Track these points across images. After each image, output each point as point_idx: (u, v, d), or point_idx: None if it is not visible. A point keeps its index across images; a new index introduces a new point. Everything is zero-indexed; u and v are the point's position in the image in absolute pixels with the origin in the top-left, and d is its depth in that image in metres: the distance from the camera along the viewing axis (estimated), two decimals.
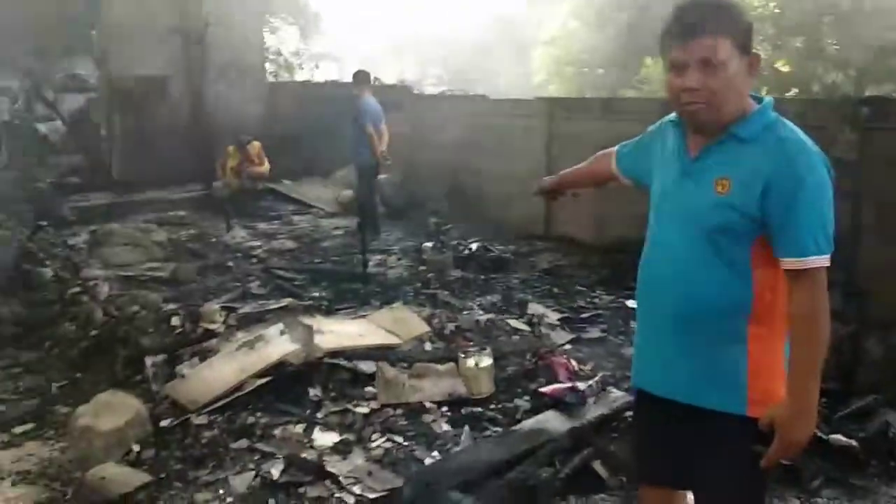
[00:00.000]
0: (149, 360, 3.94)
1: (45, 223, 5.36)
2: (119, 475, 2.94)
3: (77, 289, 4.85)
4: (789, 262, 1.58)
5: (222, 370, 3.74)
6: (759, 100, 1.68)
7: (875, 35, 11.78)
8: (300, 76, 15.79)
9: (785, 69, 12.49)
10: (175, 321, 4.51)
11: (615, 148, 2.09)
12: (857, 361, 3.88)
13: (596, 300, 5.34)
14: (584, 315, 4.98)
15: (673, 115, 1.80)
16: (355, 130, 7.37)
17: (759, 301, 1.64)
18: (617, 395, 3.56)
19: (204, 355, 3.99)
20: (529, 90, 17.69)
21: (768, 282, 1.63)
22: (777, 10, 12.75)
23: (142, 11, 9.83)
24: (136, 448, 3.22)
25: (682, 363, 1.73)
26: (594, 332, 4.68)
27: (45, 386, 4.00)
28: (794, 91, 11.99)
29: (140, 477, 2.96)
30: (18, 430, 3.56)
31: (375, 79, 8.29)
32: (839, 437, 3.22)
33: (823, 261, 1.57)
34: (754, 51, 1.64)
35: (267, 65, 13.42)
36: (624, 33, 16.50)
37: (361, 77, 7.57)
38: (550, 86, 18.89)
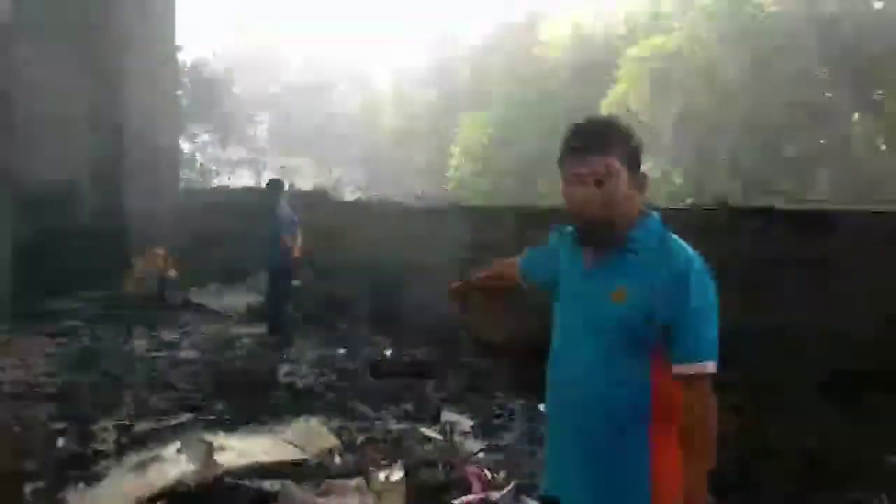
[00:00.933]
0: (28, 487, 3.58)
1: None
2: None
3: None
4: (678, 368, 1.64)
5: (111, 496, 3.44)
6: (648, 213, 1.79)
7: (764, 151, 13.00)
8: (216, 182, 15.74)
9: (678, 181, 13.49)
10: (60, 442, 4.16)
11: (517, 258, 2.17)
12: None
13: (510, 405, 5.31)
14: (497, 421, 4.94)
15: (569, 228, 1.89)
16: (273, 237, 7.34)
17: (659, 405, 1.68)
18: None
19: (92, 480, 3.67)
20: (442, 198, 18.26)
21: (667, 388, 1.67)
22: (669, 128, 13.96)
23: (52, 105, 9.57)
24: None
25: (587, 471, 1.73)
26: (508, 439, 4.62)
27: None
28: (689, 200, 12.93)
29: None
30: None
31: (291, 185, 8.36)
32: None
33: (709, 366, 1.64)
34: (642, 171, 1.76)
35: (182, 170, 13.33)
36: (536, 148, 17.52)
37: (275, 185, 7.63)
38: (462, 195, 19.55)
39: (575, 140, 1.72)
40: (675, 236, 1.75)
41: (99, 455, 4.02)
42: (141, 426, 4.45)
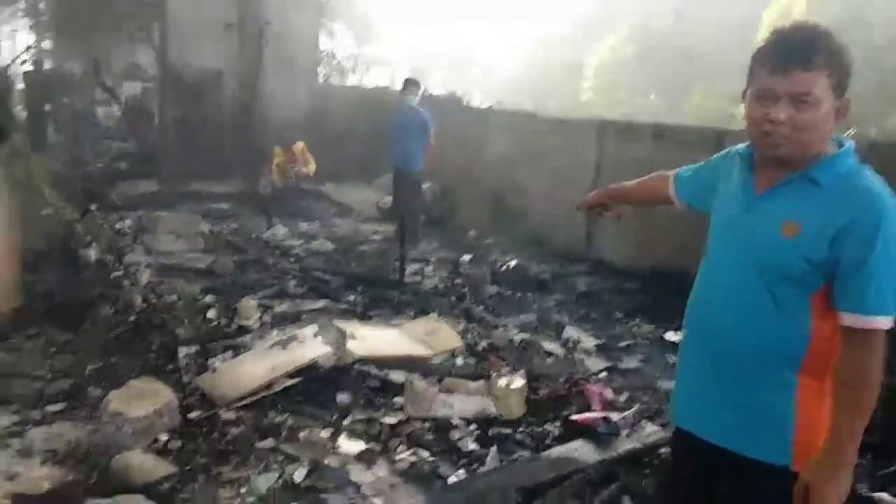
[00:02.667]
0: (182, 351, 3.97)
1: (93, 206, 5.45)
2: (144, 463, 2.94)
3: (119, 273, 4.91)
4: (849, 318, 1.49)
5: (254, 367, 3.74)
6: (840, 143, 1.59)
7: None
8: (352, 80, 15.94)
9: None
10: (211, 314, 4.54)
11: (674, 171, 2.01)
12: None
13: (634, 329, 5.21)
14: (621, 344, 4.87)
15: (741, 147, 1.72)
16: (407, 137, 7.35)
17: (814, 353, 1.55)
18: (651, 430, 3.45)
19: (237, 350, 4.00)
20: (577, 110, 17.62)
21: (825, 334, 1.54)
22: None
23: (203, 5, 10.04)
24: (163, 437, 3.23)
25: (725, 407, 1.65)
26: (631, 363, 4.56)
27: (80, 367, 4.03)
28: (852, 130, 11.70)
29: (164, 468, 2.96)
30: (51, 408, 3.59)
31: (425, 89, 8.30)
32: (884, 495, 3.06)
33: (886, 322, 1.48)
34: (846, 96, 1.54)
35: (320, 67, 13.57)
36: (674, 61, 16.35)
37: (412, 83, 7.57)
38: (598, 108, 18.79)
39: (780, 48, 1.51)
40: (869, 173, 1.54)
41: (243, 329, 4.35)
42: (281, 307, 4.76)
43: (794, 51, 1.49)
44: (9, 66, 8.76)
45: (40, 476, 2.93)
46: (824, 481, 1.50)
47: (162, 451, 3.14)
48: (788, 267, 1.53)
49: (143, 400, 3.31)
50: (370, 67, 18.48)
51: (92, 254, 5.38)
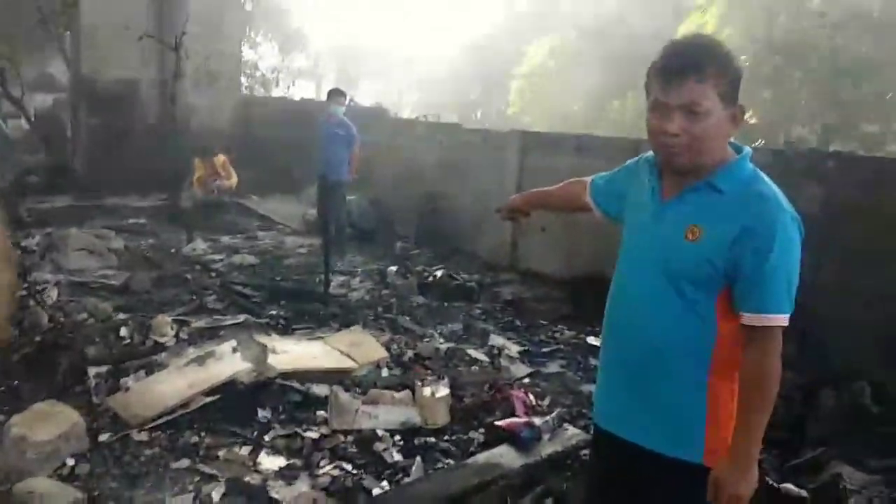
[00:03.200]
0: (92, 371, 3.79)
1: None
2: (49, 490, 2.78)
3: (24, 292, 4.65)
4: (749, 318, 1.56)
5: (169, 385, 3.61)
6: (739, 149, 1.66)
7: (844, 92, 12.18)
8: (276, 92, 15.72)
9: (752, 121, 12.83)
10: (124, 331, 4.36)
11: (589, 178, 2.06)
12: (810, 412, 3.90)
13: (557, 335, 5.31)
14: (544, 349, 4.95)
15: (650, 154, 1.78)
16: (332, 147, 7.30)
17: (722, 353, 1.61)
18: (573, 433, 3.51)
19: (151, 369, 3.85)
20: (504, 122, 17.89)
21: (732, 334, 1.61)
22: (747, 62, 13.16)
23: (118, 14, 9.70)
24: (70, 462, 3.06)
25: (641, 406, 1.70)
26: (554, 367, 4.64)
27: None
28: (760, 142, 12.33)
29: (71, 493, 2.80)
30: None
31: (351, 99, 8.26)
32: (790, 486, 3.21)
33: (783, 320, 1.56)
34: (739, 103, 1.60)
35: (243, 78, 13.33)
36: (600, 72, 16.86)
37: (337, 94, 7.53)
38: (525, 118, 19.15)
39: (668, 63, 1.57)
40: (766, 178, 1.62)
41: (158, 347, 4.19)
42: (199, 323, 4.62)
43: (683, 63, 1.54)
44: None
45: None
46: (733, 477, 1.56)
47: (69, 477, 2.98)
48: (693, 270, 1.59)
49: (47, 423, 3.13)
50: (295, 79, 18.30)
51: None
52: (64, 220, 7.86)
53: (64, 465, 3.05)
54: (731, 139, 1.66)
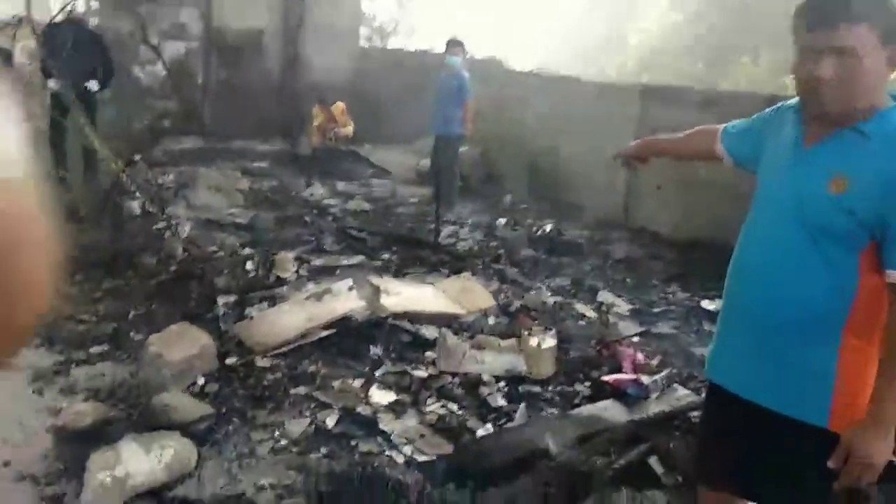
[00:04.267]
0: (221, 300, 4.06)
1: (138, 158, 5.56)
2: (182, 404, 3.04)
3: (161, 224, 5.03)
4: (894, 275, 1.45)
5: (290, 317, 3.81)
6: (895, 96, 1.53)
7: None
8: (393, 43, 15.85)
9: None
10: (249, 265, 4.63)
11: (721, 125, 1.96)
12: None
13: (670, 296, 5.15)
14: (655, 309, 4.82)
15: (792, 102, 1.67)
16: (446, 100, 7.31)
17: (861, 311, 1.51)
18: (682, 394, 3.43)
19: (274, 301, 4.08)
20: (622, 77, 17.22)
21: (873, 294, 1.50)
22: None
23: None
24: (200, 381, 3.33)
25: (766, 364, 1.63)
26: (665, 328, 4.51)
27: (123, 312, 4.16)
28: None
29: (202, 408, 3.05)
30: (95, 350, 3.72)
31: (467, 51, 8.19)
32: None
33: None
34: None
35: (361, 29, 13.50)
36: (722, 29, 15.83)
37: (456, 44, 7.48)
38: (643, 75, 18.35)
39: (815, 4, 1.45)
40: None
41: (280, 281, 4.43)
42: (317, 261, 4.83)
43: (830, 4, 1.44)
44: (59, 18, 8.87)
45: (82, 411, 3.05)
46: (866, 442, 1.47)
47: (199, 394, 3.24)
48: (835, 223, 1.49)
49: (182, 344, 3.40)
50: (412, 31, 18.35)
51: (136, 205, 5.52)
52: (194, 161, 8.37)
53: (195, 383, 3.32)
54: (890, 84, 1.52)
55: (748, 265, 1.69)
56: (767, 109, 1.82)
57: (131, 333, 3.89)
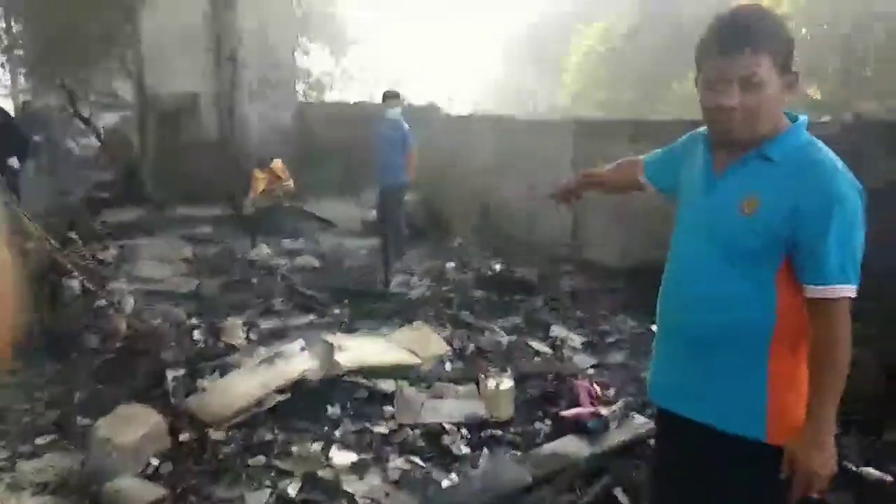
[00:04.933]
0: (170, 374, 3.96)
1: (74, 236, 5.44)
2: (135, 489, 2.94)
3: (103, 302, 4.90)
4: (812, 290, 1.52)
5: (242, 385, 3.74)
6: (794, 118, 1.63)
7: None
8: (330, 96, 16.01)
9: (816, 95, 12.33)
10: (197, 335, 4.54)
11: (642, 156, 2.05)
12: (894, 392, 3.74)
13: (620, 325, 5.25)
14: (608, 340, 4.90)
15: (702, 129, 1.76)
16: (388, 151, 7.38)
17: (785, 325, 1.58)
18: (641, 422, 3.48)
19: (225, 370, 4.00)
20: (558, 111, 17.71)
21: (794, 308, 1.57)
22: (809, 36, 12.62)
23: (177, 29, 10.04)
24: (154, 462, 3.21)
25: (700, 383, 1.68)
26: (618, 357, 4.60)
27: (68, 397, 4.01)
28: (826, 118, 11.84)
29: (155, 491, 2.94)
30: (40, 441, 3.57)
31: (404, 99, 8.33)
32: (871, 470, 3.10)
33: (849, 290, 1.52)
34: (794, 70, 1.57)
35: (297, 84, 13.62)
36: (652, 57, 16.50)
37: (392, 96, 7.60)
38: (578, 108, 18.91)
39: (719, 36, 1.54)
40: (821, 146, 1.58)
41: (230, 349, 4.35)
42: (267, 325, 4.76)
43: (736, 34, 1.52)
44: None
45: None
46: (807, 453, 1.53)
47: (153, 475, 3.13)
48: (748, 243, 1.56)
49: (131, 425, 3.29)
50: (348, 82, 18.59)
51: (75, 284, 5.37)
52: (135, 232, 8.22)
53: (148, 464, 3.20)
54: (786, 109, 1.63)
55: (673, 288, 1.76)
56: (682, 137, 1.92)
57: (78, 418, 3.74)
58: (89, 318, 4.89)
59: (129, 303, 5.12)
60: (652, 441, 3.24)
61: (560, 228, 7.19)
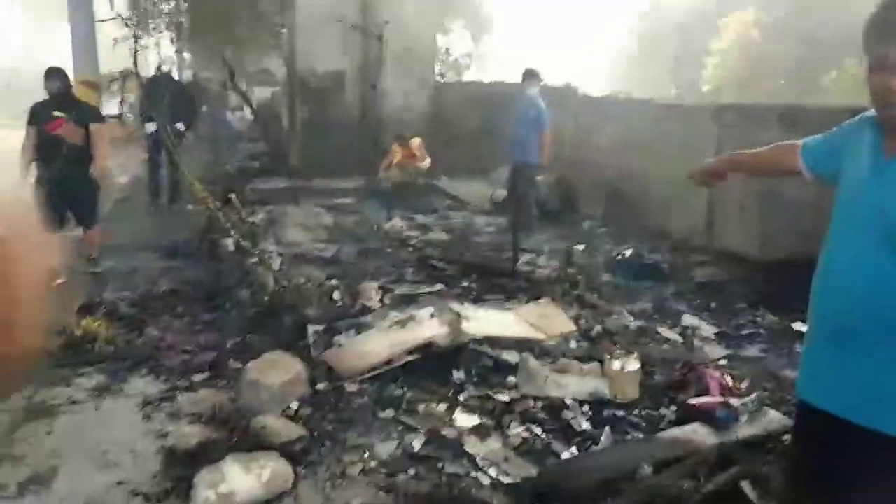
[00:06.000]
0: (311, 329, 4.26)
1: (234, 197, 5.93)
2: (279, 426, 3.21)
3: (254, 259, 5.31)
4: None
5: (376, 344, 3.96)
6: None
7: None
8: (467, 76, 16.20)
9: None
10: (336, 296, 4.82)
11: (800, 140, 1.97)
12: None
13: (758, 319, 5.01)
14: (743, 332, 4.70)
15: (871, 113, 1.67)
16: (524, 130, 7.42)
17: None
18: (774, 417, 3.34)
19: (360, 329, 4.24)
20: (699, 99, 16.91)
21: None
22: None
23: (327, 8, 10.52)
24: (294, 405, 3.49)
25: (852, 378, 1.60)
26: (753, 351, 4.40)
27: (221, 342, 4.43)
28: None
29: (297, 430, 3.21)
30: (197, 377, 3.98)
31: (542, 80, 8.30)
32: None
33: None
34: None
35: (437, 64, 13.88)
36: (798, 47, 15.33)
37: (532, 75, 7.60)
38: (722, 96, 17.95)
39: (888, 16, 1.47)
40: None
41: (365, 310, 4.60)
42: (400, 290, 4.98)
43: None
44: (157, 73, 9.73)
45: (188, 434, 3.28)
46: None
47: (293, 418, 3.40)
48: None
49: (277, 370, 3.60)
50: (484, 63, 18.70)
51: (230, 242, 5.86)
52: (281, 200, 8.80)
53: (289, 406, 3.49)
54: None
55: (831, 279, 1.68)
56: (846, 122, 1.82)
57: (229, 362, 4.12)
58: (241, 273, 5.33)
59: (276, 262, 5.51)
60: (786, 438, 3.13)
61: (696, 217, 6.91)
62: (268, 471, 2.83)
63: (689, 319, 4.85)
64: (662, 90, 20.26)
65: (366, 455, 3.12)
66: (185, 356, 4.27)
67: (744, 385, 3.80)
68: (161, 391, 3.82)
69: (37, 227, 0.46)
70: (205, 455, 3.04)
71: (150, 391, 3.82)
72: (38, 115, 5.63)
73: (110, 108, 13.59)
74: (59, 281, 3.77)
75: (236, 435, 3.23)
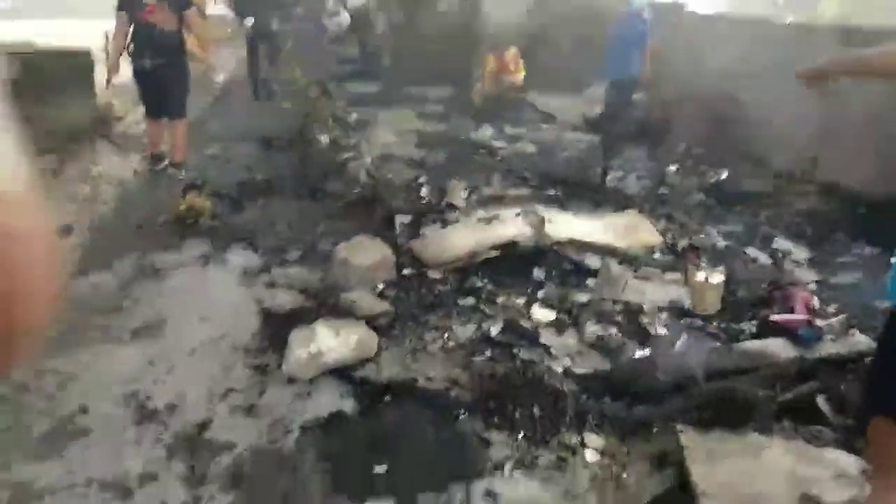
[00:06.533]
0: (398, 219, 4.40)
1: (332, 87, 6.05)
2: (367, 300, 3.40)
3: (347, 154, 5.47)
4: None
5: (460, 238, 4.06)
6: None
7: None
8: None
9: None
10: (424, 192, 4.94)
11: None
12: None
13: (856, 249, 4.80)
14: (838, 260, 4.53)
15: None
16: (626, 42, 7.15)
17: None
18: (860, 339, 3.26)
19: (445, 223, 4.35)
20: (820, 20, 15.60)
21: None
22: None
23: None
24: (381, 286, 3.67)
25: None
26: (847, 279, 4.24)
27: (314, 228, 4.64)
28: None
29: (382, 306, 3.39)
30: (291, 255, 4.22)
31: None
32: None
33: None
34: None
35: None
36: None
37: None
38: (850, 19, 16.48)
39: None
40: None
41: (451, 207, 4.69)
42: (487, 190, 5.04)
43: None
44: None
45: (284, 301, 3.52)
46: None
47: (380, 296, 3.59)
48: None
49: (366, 253, 3.77)
50: None
51: (325, 137, 6.03)
52: (373, 103, 8.89)
53: (376, 287, 3.67)
54: None
55: None
56: None
57: (321, 245, 4.34)
58: (334, 166, 5.50)
59: (367, 159, 5.66)
60: (870, 359, 3.06)
61: (802, 147, 6.55)
62: (355, 337, 3.03)
63: (781, 243, 4.71)
64: (781, 10, 18.77)
65: (445, 335, 3.27)
66: (280, 237, 4.52)
67: (832, 309, 3.71)
68: (259, 265, 4.09)
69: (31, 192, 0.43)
70: (298, 319, 3.27)
71: (250, 264, 4.09)
72: (128, 1, 5.24)
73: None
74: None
75: (327, 306, 3.45)
